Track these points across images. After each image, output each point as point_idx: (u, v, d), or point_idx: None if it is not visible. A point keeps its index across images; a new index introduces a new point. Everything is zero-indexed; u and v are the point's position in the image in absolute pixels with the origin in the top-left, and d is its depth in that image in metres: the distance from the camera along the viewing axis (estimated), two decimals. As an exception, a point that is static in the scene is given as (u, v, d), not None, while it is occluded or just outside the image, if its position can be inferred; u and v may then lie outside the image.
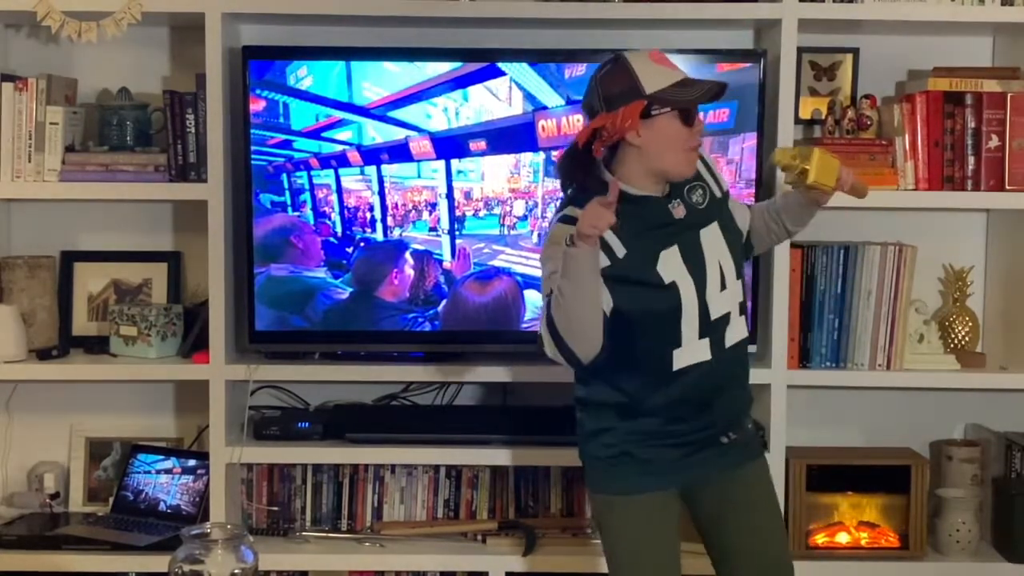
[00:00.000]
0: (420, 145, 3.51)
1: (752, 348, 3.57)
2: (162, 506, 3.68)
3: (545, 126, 3.48)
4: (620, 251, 2.69)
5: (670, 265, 2.70)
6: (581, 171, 2.76)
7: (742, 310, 2.81)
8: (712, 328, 2.75)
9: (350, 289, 3.56)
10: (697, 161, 2.76)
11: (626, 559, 2.81)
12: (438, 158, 3.51)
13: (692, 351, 2.74)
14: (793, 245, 3.44)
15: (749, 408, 2.95)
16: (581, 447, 2.88)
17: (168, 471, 3.72)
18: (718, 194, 2.81)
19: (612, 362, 2.72)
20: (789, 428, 3.49)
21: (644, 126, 2.66)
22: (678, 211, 2.74)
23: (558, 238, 2.64)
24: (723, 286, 2.75)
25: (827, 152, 2.78)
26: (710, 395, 2.79)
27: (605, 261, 2.66)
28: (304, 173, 3.52)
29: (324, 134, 3.51)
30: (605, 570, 2.99)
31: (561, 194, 3.47)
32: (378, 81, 3.49)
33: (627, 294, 2.68)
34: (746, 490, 2.88)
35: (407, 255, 3.55)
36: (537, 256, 3.51)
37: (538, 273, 3.49)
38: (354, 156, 3.52)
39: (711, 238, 2.76)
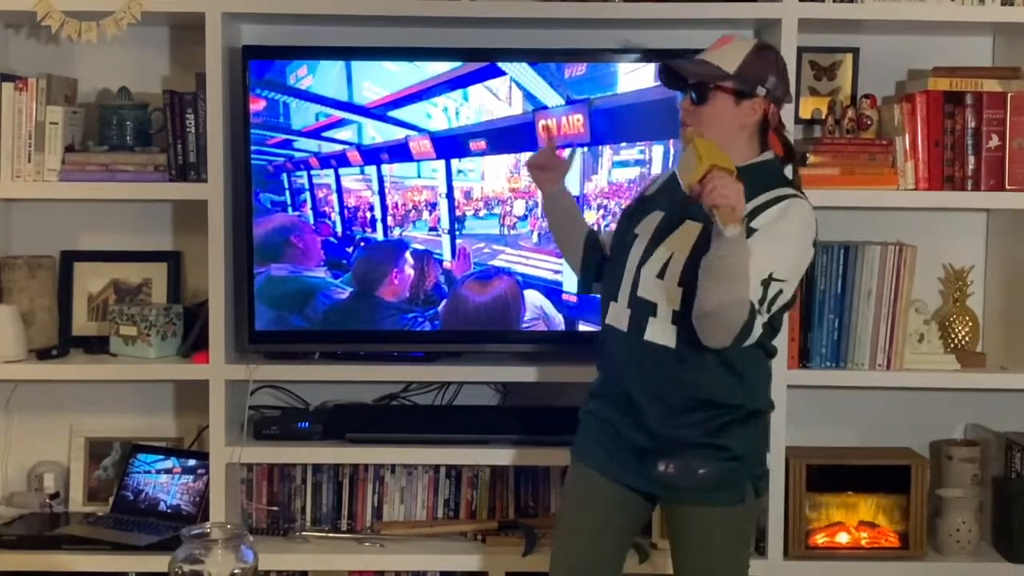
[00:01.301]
0: (420, 145, 3.51)
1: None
2: (162, 506, 3.68)
3: (546, 126, 3.48)
4: (652, 190, 2.92)
5: (647, 222, 2.80)
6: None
7: (675, 319, 2.69)
8: (635, 303, 2.76)
9: (350, 289, 3.56)
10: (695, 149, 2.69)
11: (558, 521, 2.95)
12: (438, 158, 3.51)
13: (617, 313, 2.81)
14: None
15: (707, 451, 2.75)
16: None
17: (168, 471, 3.71)
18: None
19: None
20: (789, 428, 3.49)
21: None
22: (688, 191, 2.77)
23: (809, 214, 2.78)
24: (661, 273, 2.72)
25: (722, 153, 2.56)
26: (628, 382, 2.77)
27: (637, 194, 2.96)
28: (304, 173, 3.52)
29: (324, 134, 3.51)
30: (619, 565, 2.98)
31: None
32: (378, 81, 3.49)
33: (623, 223, 2.89)
34: (677, 534, 2.84)
35: (407, 255, 3.55)
36: (536, 256, 3.52)
37: (536, 272, 3.51)
38: (354, 156, 3.52)
39: (686, 231, 2.71)
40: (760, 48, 2.79)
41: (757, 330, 2.64)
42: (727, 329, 2.59)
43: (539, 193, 3.11)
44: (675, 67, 2.77)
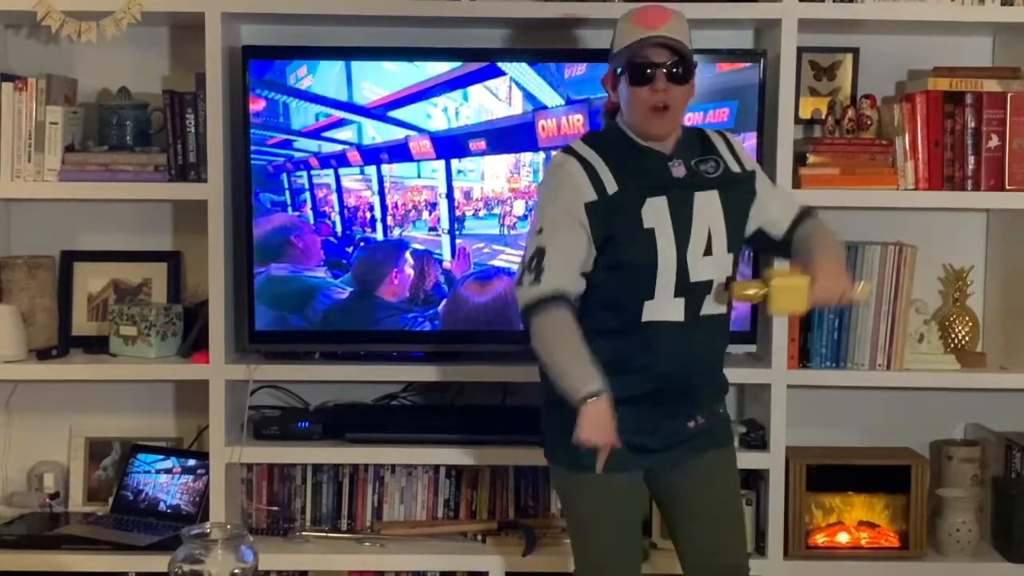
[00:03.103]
0: (420, 145, 3.51)
1: (752, 348, 3.59)
2: (162, 506, 3.68)
3: (545, 126, 3.48)
4: (611, 188, 2.73)
5: (654, 212, 2.72)
6: (608, 115, 2.89)
7: (727, 285, 2.79)
8: (690, 290, 2.74)
9: (350, 289, 3.56)
10: (673, 125, 2.76)
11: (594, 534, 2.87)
12: (438, 158, 3.51)
13: (664, 307, 2.74)
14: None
15: (723, 393, 2.93)
16: None
17: (168, 471, 3.71)
18: (736, 169, 2.83)
19: (595, 320, 2.76)
20: (789, 428, 3.49)
21: (618, 84, 2.77)
22: (677, 170, 2.77)
23: (554, 172, 2.78)
24: (708, 251, 2.74)
25: (791, 275, 2.71)
26: (684, 365, 2.77)
27: (592, 196, 2.72)
28: (304, 173, 3.52)
29: (324, 134, 3.51)
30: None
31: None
32: (378, 81, 3.49)
33: (609, 233, 2.72)
34: (705, 482, 2.86)
35: (407, 255, 3.55)
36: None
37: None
38: (354, 156, 3.52)
39: (705, 201, 2.75)
40: (682, 14, 2.81)
41: None
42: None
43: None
44: (676, 46, 2.71)
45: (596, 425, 2.65)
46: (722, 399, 2.93)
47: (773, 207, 2.89)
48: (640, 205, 2.72)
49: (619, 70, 2.75)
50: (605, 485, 2.78)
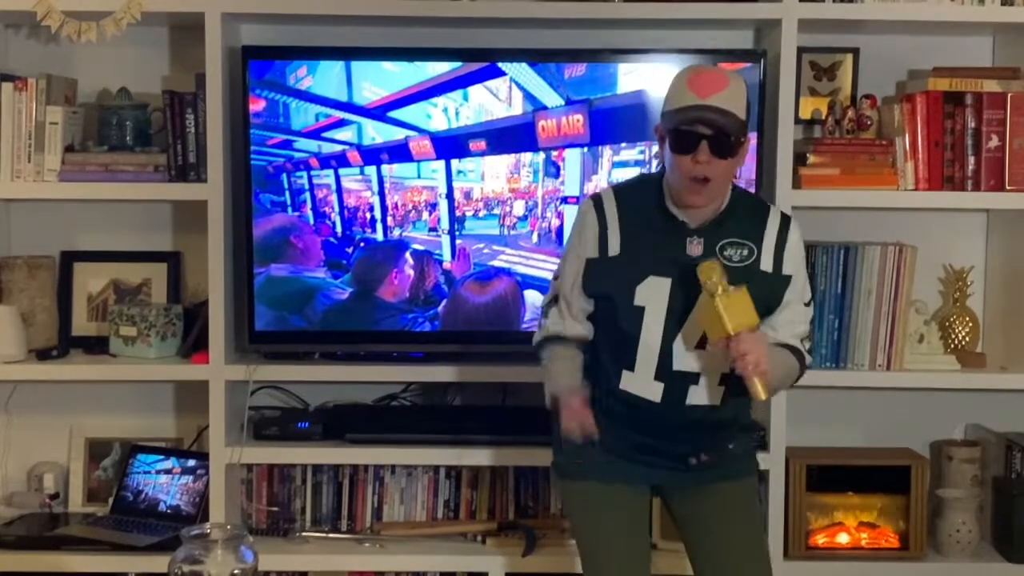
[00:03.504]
0: (420, 145, 3.51)
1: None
2: (162, 506, 3.68)
3: (545, 126, 3.48)
4: (615, 250, 2.69)
5: (652, 290, 2.65)
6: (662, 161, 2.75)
7: (722, 380, 2.68)
8: (671, 378, 2.68)
9: (350, 289, 3.56)
10: (711, 197, 2.63)
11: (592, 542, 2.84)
12: (438, 158, 3.51)
13: (643, 384, 2.70)
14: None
15: (738, 432, 2.84)
16: None
17: (168, 471, 3.71)
18: (767, 267, 2.68)
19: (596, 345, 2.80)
20: (789, 428, 3.49)
21: (665, 143, 2.65)
22: (693, 247, 2.66)
23: (578, 219, 2.77)
24: (702, 344, 2.65)
25: (746, 300, 2.55)
26: (656, 433, 2.74)
27: (595, 252, 2.70)
28: (304, 173, 3.52)
29: (324, 134, 3.51)
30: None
31: (560, 195, 3.49)
32: (378, 81, 3.49)
33: (599, 293, 2.72)
34: (720, 516, 2.82)
35: (407, 255, 3.55)
36: (536, 256, 3.52)
37: (536, 272, 3.50)
38: (354, 156, 3.52)
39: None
40: (742, 81, 2.65)
41: (808, 363, 2.80)
42: (792, 383, 2.81)
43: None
44: (721, 122, 2.54)
45: (572, 413, 2.68)
46: (736, 437, 2.83)
47: (779, 318, 2.72)
48: (638, 280, 2.66)
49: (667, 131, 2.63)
50: (597, 493, 2.79)
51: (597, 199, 2.74)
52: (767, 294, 2.67)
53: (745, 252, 2.67)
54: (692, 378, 2.69)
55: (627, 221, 2.69)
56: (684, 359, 2.67)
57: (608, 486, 2.78)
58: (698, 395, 2.70)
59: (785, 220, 2.74)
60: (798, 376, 2.77)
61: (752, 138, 3.39)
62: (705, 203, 2.65)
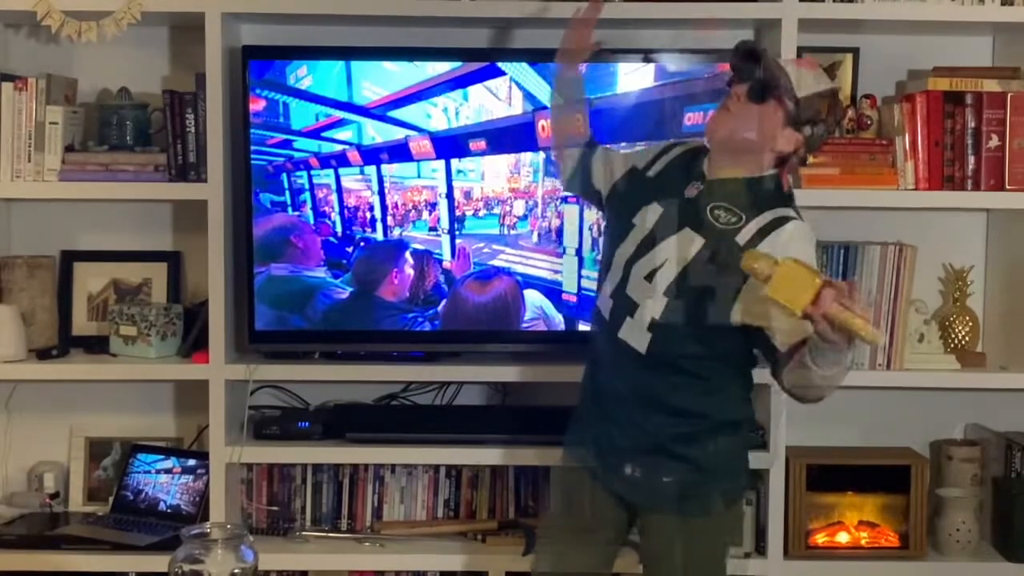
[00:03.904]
0: (420, 145, 3.51)
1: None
2: (162, 506, 3.68)
3: (545, 126, 3.48)
4: (651, 172, 2.86)
5: (646, 215, 2.77)
6: None
7: (651, 327, 2.67)
8: (618, 297, 2.74)
9: (350, 289, 3.56)
10: (727, 130, 2.72)
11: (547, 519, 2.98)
12: (438, 158, 3.51)
13: (604, 299, 2.80)
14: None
15: (673, 462, 2.74)
16: None
17: (168, 471, 3.71)
18: (739, 240, 2.64)
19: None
20: (789, 428, 3.49)
21: None
22: (690, 189, 2.76)
23: (649, 144, 3.05)
24: (649, 279, 2.69)
25: (804, 266, 2.36)
26: (606, 373, 2.78)
27: (641, 164, 2.89)
28: (304, 173, 3.52)
29: (324, 134, 3.51)
30: (604, 570, 3.00)
31: (560, 195, 3.49)
32: (378, 81, 3.49)
33: (620, 201, 2.88)
34: (647, 542, 2.84)
35: (407, 255, 3.55)
36: (536, 256, 3.52)
37: (536, 272, 3.50)
38: (354, 156, 3.52)
39: (684, 242, 2.68)
40: (835, 94, 2.76)
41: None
42: (832, 391, 2.60)
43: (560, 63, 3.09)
44: (759, 52, 2.70)
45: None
46: (673, 468, 2.73)
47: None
48: (646, 202, 2.78)
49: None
50: (572, 470, 2.90)
51: (672, 142, 2.96)
52: (726, 259, 2.61)
53: (733, 219, 2.68)
54: (630, 308, 2.71)
55: (672, 159, 2.85)
56: (636, 287, 2.71)
57: (580, 472, 2.85)
58: (629, 330, 2.72)
59: (790, 218, 2.69)
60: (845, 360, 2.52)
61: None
62: (720, 133, 2.74)
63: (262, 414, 3.65)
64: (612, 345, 2.75)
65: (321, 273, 3.55)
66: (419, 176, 3.53)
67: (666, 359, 2.70)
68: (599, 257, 3.01)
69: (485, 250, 3.54)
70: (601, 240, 3.00)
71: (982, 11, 3.46)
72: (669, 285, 2.67)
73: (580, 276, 3.49)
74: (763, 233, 2.63)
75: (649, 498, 2.77)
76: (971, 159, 3.46)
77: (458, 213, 3.53)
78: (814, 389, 2.57)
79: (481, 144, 3.50)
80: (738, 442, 2.85)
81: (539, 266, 3.52)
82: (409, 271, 3.55)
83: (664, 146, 2.94)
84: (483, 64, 3.48)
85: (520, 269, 3.54)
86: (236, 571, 2.23)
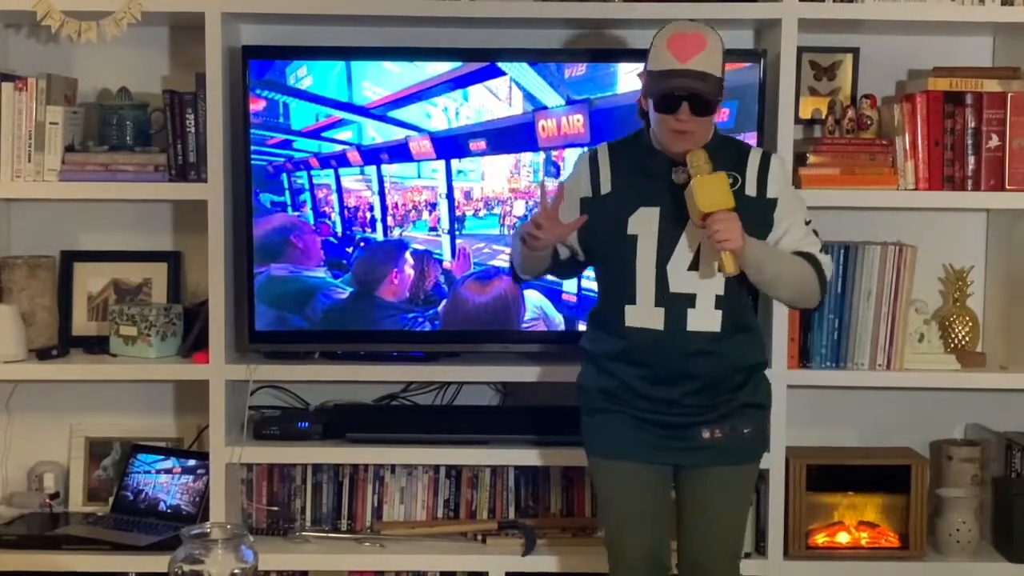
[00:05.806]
0: (420, 145, 3.51)
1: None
2: (162, 506, 3.68)
3: (545, 126, 3.48)
4: (606, 188, 2.89)
5: (643, 220, 2.83)
6: (644, 116, 2.95)
7: (719, 304, 2.84)
8: (670, 301, 2.82)
9: (350, 289, 3.56)
10: (694, 144, 2.79)
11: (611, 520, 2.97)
12: (438, 158, 3.51)
13: (645, 313, 2.84)
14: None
15: (750, 410, 2.94)
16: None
17: (168, 471, 3.71)
18: (751, 192, 2.86)
19: (598, 309, 2.97)
20: (789, 428, 3.49)
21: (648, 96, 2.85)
22: (678, 175, 2.82)
23: (576, 166, 3.01)
24: (694, 265, 2.82)
25: (728, 191, 2.73)
26: (667, 373, 2.84)
27: (588, 192, 2.91)
28: (304, 173, 3.52)
29: (324, 134, 3.51)
30: (605, 570, 3.00)
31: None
32: (378, 81, 3.49)
33: (596, 230, 2.86)
34: (705, 492, 2.92)
35: (407, 255, 3.55)
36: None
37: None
38: (354, 156, 3.52)
39: None
40: (717, 37, 2.83)
41: (830, 269, 2.90)
42: (814, 295, 2.89)
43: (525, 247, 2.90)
44: (699, 87, 2.74)
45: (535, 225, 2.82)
46: (749, 416, 2.93)
47: (784, 240, 2.89)
48: (630, 211, 2.85)
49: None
50: (611, 468, 2.94)
51: (591, 150, 2.98)
52: (755, 215, 2.83)
53: (731, 181, 2.80)
54: (689, 300, 2.83)
55: (617, 164, 2.90)
56: (680, 281, 2.83)
57: (635, 465, 2.90)
58: (697, 319, 2.83)
59: (767, 153, 2.95)
60: (819, 283, 2.88)
61: (751, 138, 3.41)
62: (689, 148, 2.81)
63: (262, 414, 3.65)
64: (681, 340, 2.84)
65: (321, 273, 3.55)
66: (419, 176, 3.53)
67: (735, 325, 2.87)
68: (600, 287, 3.02)
69: (485, 250, 3.54)
70: (599, 272, 3.00)
71: (982, 11, 3.47)
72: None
73: (580, 276, 3.49)
74: (762, 179, 2.86)
75: (723, 455, 2.90)
76: (971, 159, 3.46)
77: (458, 213, 3.53)
78: (784, 289, 2.89)
79: (481, 144, 3.50)
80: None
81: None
82: (409, 271, 3.55)
83: (586, 160, 2.96)
84: (483, 64, 3.48)
85: (520, 269, 3.53)
86: (236, 571, 2.23)
